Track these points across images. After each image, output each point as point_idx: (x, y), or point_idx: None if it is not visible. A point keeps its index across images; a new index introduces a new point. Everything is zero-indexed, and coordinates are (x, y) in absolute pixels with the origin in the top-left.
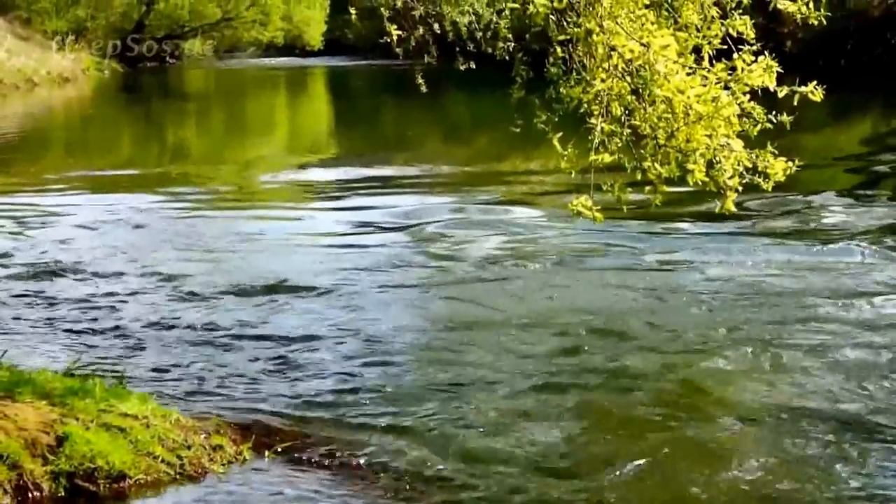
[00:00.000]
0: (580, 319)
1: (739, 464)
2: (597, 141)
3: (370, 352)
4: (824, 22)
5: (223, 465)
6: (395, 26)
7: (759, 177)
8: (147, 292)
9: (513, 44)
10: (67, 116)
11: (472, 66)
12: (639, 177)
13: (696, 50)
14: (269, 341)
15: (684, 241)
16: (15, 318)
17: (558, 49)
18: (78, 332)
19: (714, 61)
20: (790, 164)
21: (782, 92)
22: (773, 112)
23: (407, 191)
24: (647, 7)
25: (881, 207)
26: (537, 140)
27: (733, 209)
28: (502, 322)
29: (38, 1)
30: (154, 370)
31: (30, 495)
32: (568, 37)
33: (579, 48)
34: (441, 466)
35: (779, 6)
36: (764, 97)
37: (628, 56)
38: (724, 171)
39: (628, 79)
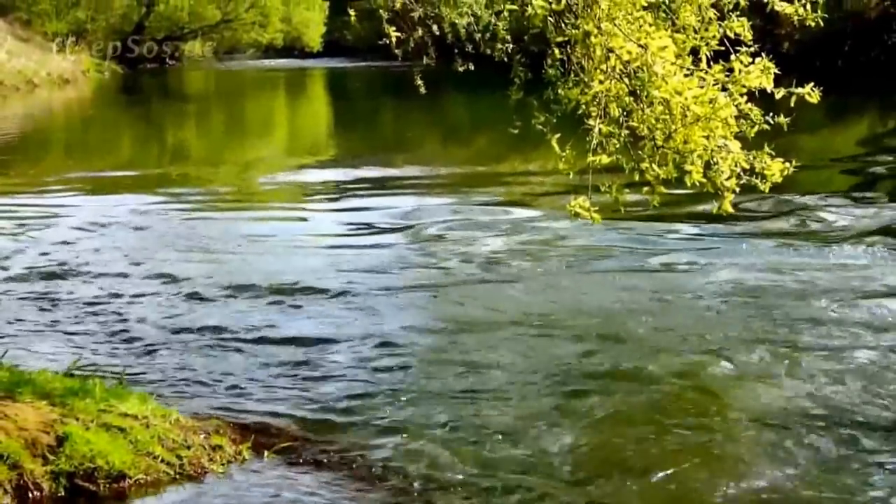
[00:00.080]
0: (583, 321)
1: (755, 469)
2: (595, 142)
3: (369, 353)
4: (821, 24)
5: (223, 465)
6: (393, 28)
7: (757, 178)
8: (147, 293)
9: (511, 45)
10: (67, 118)
11: (471, 67)
12: (637, 178)
13: (694, 51)
14: (268, 342)
15: (682, 243)
16: (15, 319)
17: (556, 51)
18: (78, 333)
19: (712, 63)
20: (787, 165)
21: (779, 93)
22: (771, 113)
23: (406, 192)
24: (644, 9)
25: (878, 208)
26: (536, 141)
27: (731, 210)
28: (502, 324)
29: (38, 3)
30: (154, 370)
31: (30, 495)
32: (566, 38)
33: (577, 50)
34: (440, 467)
35: (776, 8)
36: (761, 98)
37: (626, 58)
38: (722, 172)
39: (626, 80)
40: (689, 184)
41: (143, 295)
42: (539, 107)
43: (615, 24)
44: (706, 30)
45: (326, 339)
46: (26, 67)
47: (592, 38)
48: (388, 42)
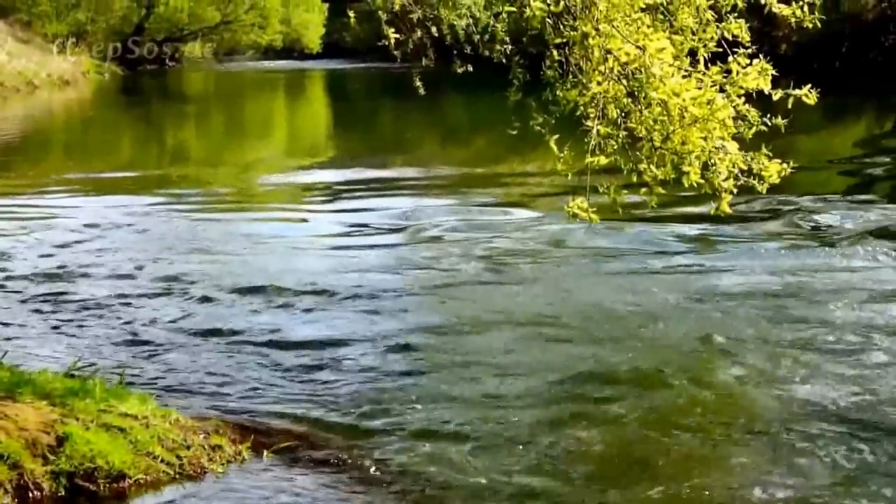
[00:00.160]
0: (583, 322)
1: (770, 475)
2: (593, 143)
3: (369, 353)
4: (819, 25)
5: (222, 464)
6: (393, 29)
7: (754, 179)
8: (147, 293)
9: (510, 47)
10: (68, 119)
11: (470, 68)
12: (635, 179)
13: (692, 53)
14: (268, 342)
15: (680, 244)
16: (15, 319)
17: (555, 52)
18: (77, 333)
19: (709, 64)
20: (785, 166)
21: (777, 95)
22: (768, 115)
23: (405, 193)
24: (642, 10)
25: (876, 209)
26: (534, 142)
27: (728, 211)
28: (501, 325)
29: (38, 4)
30: (154, 371)
31: (30, 495)
32: (564, 40)
33: (575, 51)
34: (440, 468)
35: (774, 9)
36: (759, 100)
37: (624, 59)
38: (720, 173)
39: (624, 82)
40: (686, 185)
41: (143, 295)
42: (537, 108)
43: (613, 26)
44: (704, 31)
45: (326, 340)
46: (26, 69)
47: (590, 40)
48: (387, 43)
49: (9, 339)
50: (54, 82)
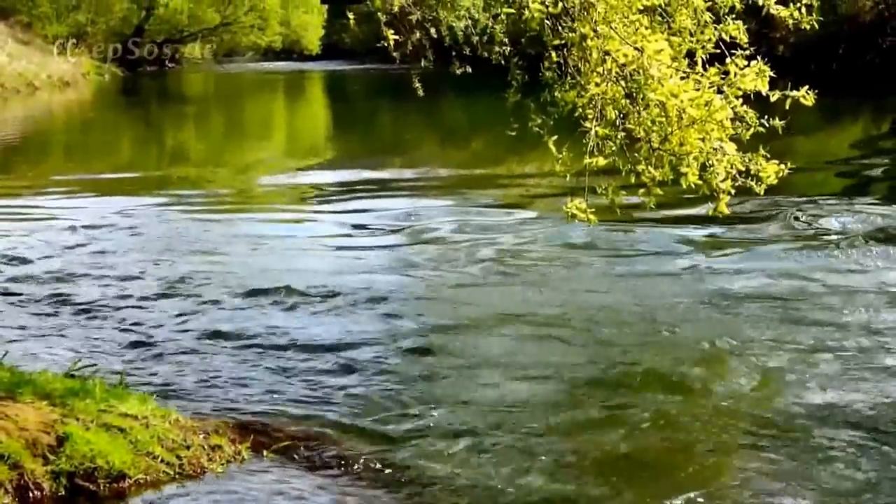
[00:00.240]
0: (588, 324)
1: (783, 477)
2: (591, 144)
3: (369, 354)
4: (816, 27)
5: (222, 464)
6: (392, 31)
7: (752, 180)
8: (147, 294)
9: (508, 48)
10: (68, 120)
11: (469, 70)
12: (633, 180)
13: (690, 54)
14: (267, 343)
15: (679, 245)
16: (15, 320)
17: (553, 53)
18: (77, 334)
19: (707, 66)
20: (782, 167)
21: (775, 96)
22: (766, 116)
23: (404, 194)
24: (640, 12)
25: (873, 210)
26: (533, 143)
27: (726, 212)
28: (502, 326)
29: (39, 6)
30: (154, 371)
31: (31, 495)
32: (563, 41)
33: (574, 53)
34: (440, 468)
35: (772, 11)
36: (756, 101)
37: (622, 60)
38: (717, 174)
39: (622, 83)
40: (684, 186)
41: (142, 296)
42: (536, 109)
43: (611, 28)
44: (702, 33)
45: (326, 340)
46: (27, 70)
47: (589, 41)
48: (386, 45)
49: (9, 339)
50: (54, 83)
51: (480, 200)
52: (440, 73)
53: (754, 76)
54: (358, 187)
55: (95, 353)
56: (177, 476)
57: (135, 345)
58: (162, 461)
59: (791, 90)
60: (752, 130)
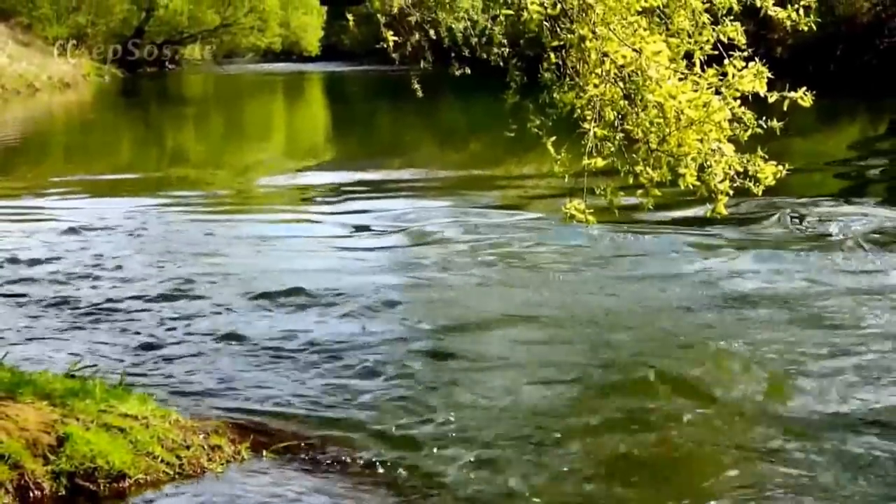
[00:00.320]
0: (590, 326)
1: (795, 481)
2: (590, 145)
3: (369, 354)
4: (814, 28)
5: (222, 464)
6: (391, 32)
7: (750, 181)
8: (146, 295)
9: (507, 49)
10: (68, 121)
11: (468, 71)
12: (631, 181)
13: (688, 56)
14: (268, 343)
15: (677, 245)
16: (15, 321)
17: (552, 55)
18: (78, 334)
19: (705, 67)
20: (780, 168)
21: (772, 97)
22: (764, 117)
23: (404, 195)
24: (639, 13)
25: (870, 211)
26: (531, 144)
27: (724, 212)
28: (503, 327)
29: (39, 7)
30: (154, 371)
31: (31, 494)
32: (561, 43)
33: (572, 54)
34: (440, 468)
35: (769, 13)
36: (754, 102)
37: (621, 62)
38: (715, 175)
39: (621, 84)
40: (683, 187)
41: (142, 297)
42: (535, 110)
43: (610, 29)
44: (700, 34)
45: (326, 341)
46: (27, 71)
47: (587, 43)
48: (385, 46)
49: (9, 339)
50: (55, 85)
51: (480, 201)
52: (439, 74)
53: (752, 77)
54: (357, 188)
55: (95, 354)
56: (177, 476)
57: (134, 345)
58: (162, 461)
59: (789, 91)
60: (750, 131)
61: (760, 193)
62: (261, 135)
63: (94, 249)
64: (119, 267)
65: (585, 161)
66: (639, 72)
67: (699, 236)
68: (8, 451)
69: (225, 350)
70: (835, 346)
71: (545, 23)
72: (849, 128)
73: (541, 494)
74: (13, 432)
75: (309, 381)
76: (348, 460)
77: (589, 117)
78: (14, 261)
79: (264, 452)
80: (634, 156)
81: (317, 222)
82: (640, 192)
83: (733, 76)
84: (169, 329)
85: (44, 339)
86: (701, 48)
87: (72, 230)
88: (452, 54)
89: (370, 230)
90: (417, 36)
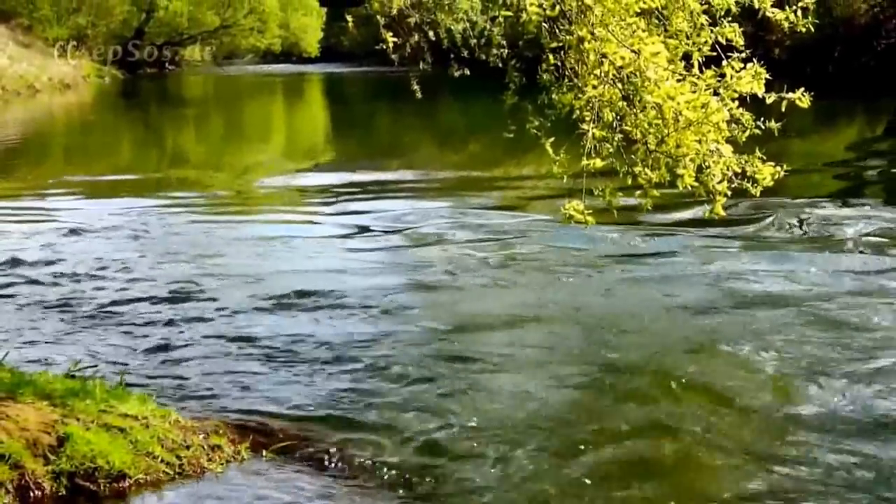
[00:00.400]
0: (592, 326)
1: (805, 484)
2: (588, 146)
3: (369, 354)
4: (812, 30)
5: (221, 464)
6: (390, 33)
7: (748, 182)
8: (146, 295)
9: (506, 51)
10: (68, 122)
11: (467, 72)
12: (630, 181)
13: (686, 57)
14: (267, 343)
15: (676, 246)
16: (16, 321)
17: (551, 56)
18: (78, 335)
19: (703, 68)
20: (778, 169)
21: (771, 98)
22: (762, 118)
23: (403, 196)
24: (637, 15)
25: (868, 211)
26: (530, 145)
27: (722, 213)
28: (503, 327)
29: (39, 9)
30: (154, 371)
31: (31, 494)
32: (560, 44)
33: (571, 55)
34: (440, 469)
35: (768, 14)
36: (753, 103)
37: (619, 63)
38: (714, 176)
39: (619, 85)
40: (681, 187)
41: (142, 298)
42: (533, 111)
43: (608, 30)
44: (698, 35)
45: (326, 341)
46: (28, 72)
47: (586, 44)
48: (384, 47)
49: (9, 340)
50: (55, 86)
51: (479, 202)
52: (438, 75)
53: (750, 79)
54: (357, 189)
55: (95, 354)
56: (177, 476)
57: (134, 346)
58: (162, 461)
59: (787, 92)
60: (748, 132)
61: (758, 194)
62: (261, 136)
63: (94, 250)
64: (119, 268)
65: (584, 162)
66: (637, 73)
67: (697, 237)
68: (8, 451)
69: (225, 350)
70: (839, 348)
71: (544, 24)
72: (847, 129)
73: (541, 494)
74: (14, 432)
75: (309, 381)
76: (348, 460)
77: (587, 118)
78: (14, 261)
79: (264, 452)
80: (633, 157)
81: (316, 223)
82: (638, 192)
83: (731, 77)
84: (169, 329)
85: (44, 339)
86: (699, 49)
87: (72, 231)
88: (451, 55)
89: (370, 231)
90: (417, 37)
